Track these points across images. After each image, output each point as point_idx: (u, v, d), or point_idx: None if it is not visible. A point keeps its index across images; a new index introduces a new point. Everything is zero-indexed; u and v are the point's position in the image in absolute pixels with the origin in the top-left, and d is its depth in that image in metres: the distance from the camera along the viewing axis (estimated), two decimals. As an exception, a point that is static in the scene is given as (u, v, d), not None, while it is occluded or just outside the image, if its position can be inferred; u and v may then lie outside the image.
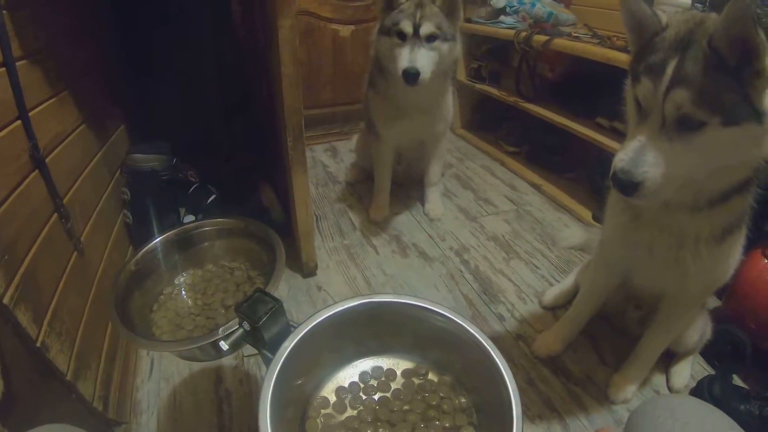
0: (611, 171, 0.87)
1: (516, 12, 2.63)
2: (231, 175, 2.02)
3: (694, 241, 1.03)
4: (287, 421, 0.86)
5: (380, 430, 0.89)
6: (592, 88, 2.14)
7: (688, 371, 1.40)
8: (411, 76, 1.63)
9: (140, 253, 1.14)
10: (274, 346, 0.86)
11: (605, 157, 1.87)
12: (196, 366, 1.42)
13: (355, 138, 2.62)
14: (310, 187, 1.62)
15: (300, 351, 0.86)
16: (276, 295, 0.94)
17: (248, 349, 0.94)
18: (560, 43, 2.15)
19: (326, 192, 2.47)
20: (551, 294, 1.69)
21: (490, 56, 2.90)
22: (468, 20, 2.77)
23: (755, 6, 1.52)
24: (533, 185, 2.50)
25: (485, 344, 0.88)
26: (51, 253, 1.07)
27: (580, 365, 1.45)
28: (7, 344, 0.84)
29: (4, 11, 0.98)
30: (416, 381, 0.98)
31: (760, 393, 1.27)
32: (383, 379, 0.98)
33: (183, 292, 1.17)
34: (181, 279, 1.20)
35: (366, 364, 1.01)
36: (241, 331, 0.89)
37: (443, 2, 1.67)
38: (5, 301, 0.84)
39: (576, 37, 2.17)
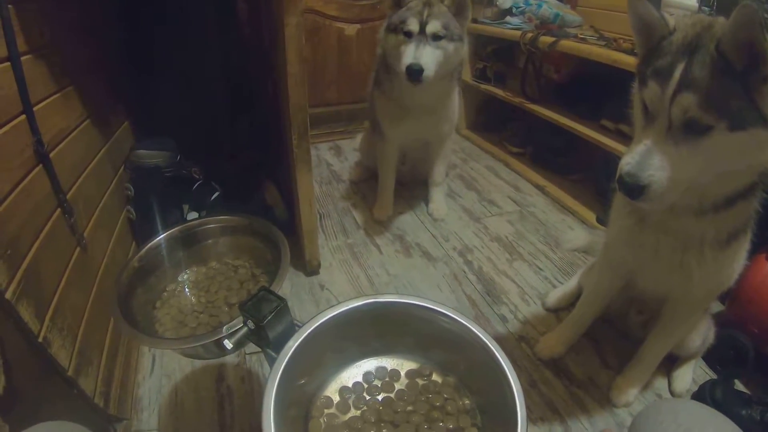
0: (617, 174, 0.87)
1: (522, 13, 2.62)
2: (235, 172, 2.02)
3: (699, 245, 1.02)
4: (290, 421, 0.86)
5: (383, 430, 0.89)
6: (597, 90, 2.14)
7: (690, 375, 1.40)
8: (415, 72, 1.62)
9: (144, 250, 1.13)
10: (279, 345, 0.85)
11: (610, 159, 1.87)
12: (198, 363, 1.42)
13: (359, 137, 2.61)
14: (314, 185, 1.62)
15: (304, 350, 0.86)
16: (279, 293, 0.94)
17: (250, 347, 0.93)
18: (566, 44, 2.14)
19: (330, 190, 2.47)
20: (554, 296, 1.68)
21: (496, 57, 2.90)
22: (474, 21, 2.76)
23: (763, 10, 1.52)
24: (537, 186, 2.49)
25: (490, 345, 0.87)
26: (54, 249, 1.06)
27: (583, 368, 1.44)
28: (9, 339, 0.84)
29: (9, 6, 0.98)
30: (420, 382, 0.97)
31: (762, 398, 1.27)
32: (387, 379, 0.98)
33: (186, 290, 1.17)
34: (185, 276, 1.20)
35: (370, 364, 1.00)
36: (245, 329, 0.88)
37: (452, 2, 1.67)
38: (8, 296, 0.84)
39: (582, 38, 2.17)
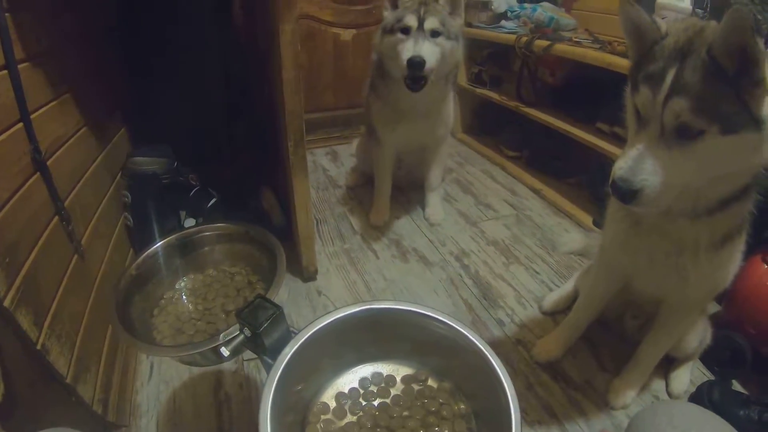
0: (610, 179, 0.87)
1: (517, 17, 2.64)
2: (232, 178, 2.02)
3: (694, 248, 1.03)
4: (287, 427, 0.86)
5: (380, 436, 0.90)
6: (592, 93, 2.14)
7: (687, 377, 1.40)
8: (417, 64, 1.61)
9: (141, 258, 1.14)
10: (275, 352, 0.86)
11: (606, 162, 1.88)
12: (196, 370, 1.42)
13: (355, 142, 2.61)
14: (310, 191, 1.62)
15: (300, 357, 0.86)
16: (276, 299, 0.95)
17: (248, 353, 0.93)
18: (561, 48, 2.15)
19: (327, 196, 2.47)
20: (551, 299, 1.69)
21: (491, 61, 2.91)
22: (469, 25, 2.78)
23: (755, 13, 1.53)
24: (534, 190, 2.50)
25: (484, 351, 0.87)
26: (52, 256, 1.07)
27: (580, 370, 1.45)
28: (8, 347, 0.84)
29: (6, 14, 0.98)
30: (416, 387, 0.98)
31: (760, 398, 1.27)
32: (383, 385, 0.98)
33: (184, 297, 1.17)
34: (182, 283, 1.20)
35: (366, 370, 1.01)
36: (241, 337, 0.89)
37: (446, 1, 1.69)
38: (6, 303, 0.84)
39: (577, 42, 2.18)
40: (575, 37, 2.25)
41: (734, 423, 0.73)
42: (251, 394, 1.36)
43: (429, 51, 1.63)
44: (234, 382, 1.40)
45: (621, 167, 0.86)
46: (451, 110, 2.05)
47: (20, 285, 0.89)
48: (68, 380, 1.00)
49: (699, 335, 1.36)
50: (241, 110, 2.20)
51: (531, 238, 2.10)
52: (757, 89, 0.75)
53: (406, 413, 0.93)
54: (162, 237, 1.20)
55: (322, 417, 0.93)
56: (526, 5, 2.62)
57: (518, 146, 2.82)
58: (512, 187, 2.56)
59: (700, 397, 1.31)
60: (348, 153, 2.90)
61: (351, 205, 2.37)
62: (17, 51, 1.01)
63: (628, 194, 0.85)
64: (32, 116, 1.05)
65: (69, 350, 1.04)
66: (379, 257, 1.97)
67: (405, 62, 1.62)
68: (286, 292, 1.73)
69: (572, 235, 2.08)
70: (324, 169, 2.80)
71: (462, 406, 0.95)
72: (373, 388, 0.98)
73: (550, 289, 1.77)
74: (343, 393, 0.97)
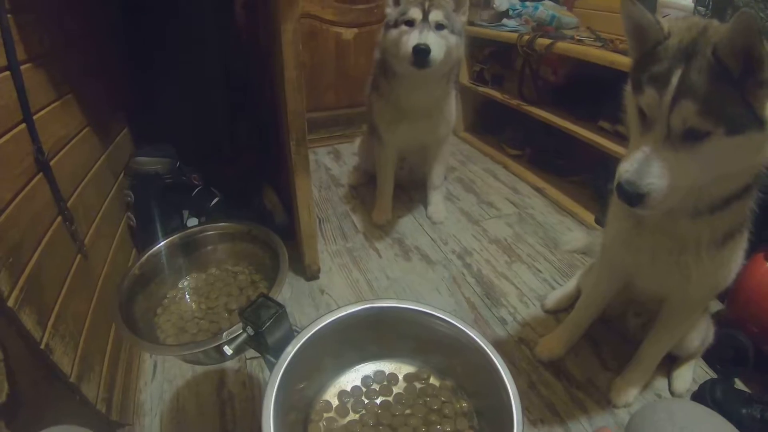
0: (616, 181, 0.87)
1: (519, 15, 2.64)
2: (234, 178, 2.02)
3: (696, 246, 1.03)
4: (290, 425, 0.86)
5: (382, 434, 0.90)
6: (595, 92, 2.13)
7: (690, 375, 1.40)
8: (422, 52, 1.59)
9: (144, 257, 1.14)
10: (278, 350, 0.86)
11: (608, 160, 1.88)
12: (199, 368, 1.43)
13: (357, 141, 2.62)
14: (313, 190, 1.62)
15: (303, 356, 0.87)
16: (279, 298, 0.95)
17: (251, 352, 0.94)
18: (563, 46, 2.15)
19: (329, 195, 2.48)
20: (553, 297, 1.69)
21: (493, 59, 2.91)
22: (471, 23, 2.77)
23: (759, 13, 1.53)
24: (536, 188, 2.50)
25: (486, 349, 0.88)
26: (55, 256, 1.07)
27: (582, 369, 1.45)
28: (12, 347, 0.85)
29: (9, 15, 0.99)
30: (418, 385, 0.98)
31: (762, 396, 1.27)
32: (385, 383, 0.99)
33: (187, 296, 1.18)
34: (185, 283, 1.21)
35: (368, 368, 1.01)
36: (244, 335, 0.89)
37: None
38: (10, 303, 0.85)
39: (579, 40, 2.18)
40: (577, 35, 2.25)
41: (737, 421, 0.73)
42: (254, 393, 1.36)
43: (434, 41, 1.62)
44: (237, 380, 1.40)
45: (627, 170, 0.85)
46: (453, 109, 2.04)
47: (24, 285, 0.90)
48: (72, 379, 1.00)
49: (701, 334, 1.36)
50: (243, 109, 2.20)
51: (533, 236, 2.10)
52: (761, 90, 0.75)
53: (408, 411, 0.93)
54: (165, 236, 1.21)
55: (325, 415, 0.93)
56: (528, 3, 2.62)
57: (520, 144, 2.82)
58: (514, 185, 2.56)
59: (702, 395, 1.31)
60: (350, 152, 2.90)
61: (353, 204, 2.38)
62: (20, 52, 1.02)
63: (635, 197, 0.84)
64: (35, 117, 1.05)
65: (73, 349, 1.04)
66: (381, 256, 1.97)
67: (410, 49, 1.60)
68: (288, 290, 1.73)
69: (574, 233, 2.07)
70: (326, 167, 2.80)
71: (464, 405, 0.95)
72: (376, 387, 0.98)
73: (553, 288, 1.77)
74: (346, 391, 0.97)
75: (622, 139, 1.99)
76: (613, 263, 1.28)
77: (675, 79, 0.78)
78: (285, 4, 1.27)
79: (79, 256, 1.19)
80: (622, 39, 1.96)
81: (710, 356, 1.46)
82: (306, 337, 0.88)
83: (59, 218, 1.12)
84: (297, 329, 0.92)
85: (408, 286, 1.79)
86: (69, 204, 1.17)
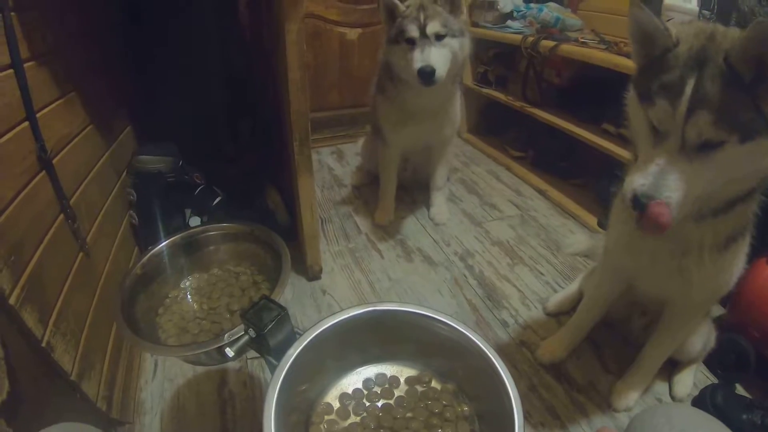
0: (629, 195, 0.85)
1: (523, 17, 2.63)
2: (237, 177, 2.02)
3: (698, 250, 1.02)
4: (291, 427, 0.86)
5: (383, 437, 0.90)
6: (599, 94, 2.12)
7: (691, 380, 1.40)
8: (427, 74, 1.62)
9: (146, 257, 1.14)
10: (279, 352, 0.86)
11: (612, 163, 1.87)
12: (200, 368, 1.43)
13: (361, 141, 2.62)
14: (315, 190, 1.62)
15: (304, 358, 0.86)
16: (281, 298, 0.95)
17: (252, 352, 0.94)
18: (567, 48, 2.15)
19: (332, 195, 2.48)
20: (555, 300, 1.69)
21: (497, 61, 2.90)
22: (475, 24, 2.78)
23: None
24: (539, 191, 2.49)
25: (488, 353, 0.87)
26: (57, 254, 1.07)
27: (584, 372, 1.45)
28: (13, 344, 0.85)
29: (12, 13, 0.99)
30: (419, 388, 0.98)
31: (763, 402, 1.27)
32: (387, 386, 0.98)
33: (188, 296, 1.18)
34: (187, 283, 1.20)
35: (370, 371, 1.01)
36: (246, 337, 0.89)
37: (444, 1, 1.68)
38: (11, 301, 0.85)
39: (583, 42, 2.17)
40: (581, 38, 2.24)
41: (737, 427, 0.73)
42: (255, 393, 1.36)
43: (437, 57, 1.63)
44: (238, 380, 1.40)
45: (643, 183, 0.83)
46: (458, 110, 2.04)
47: (25, 283, 0.90)
48: (73, 377, 1.01)
49: (703, 338, 1.35)
50: (246, 109, 2.20)
51: (536, 238, 2.10)
52: None
53: (409, 414, 0.93)
54: (167, 235, 1.21)
55: (326, 417, 0.93)
56: (532, 5, 2.62)
57: (523, 146, 2.82)
58: (517, 187, 2.56)
59: (703, 400, 1.31)
60: (353, 152, 2.91)
61: (356, 205, 2.38)
62: (23, 50, 1.02)
63: None
64: (38, 115, 1.05)
65: (74, 347, 1.05)
66: (383, 257, 1.97)
67: (416, 73, 1.63)
68: (290, 291, 1.73)
69: (577, 236, 2.07)
70: (329, 168, 2.80)
71: (465, 408, 0.95)
72: (377, 389, 0.98)
73: (555, 291, 1.77)
74: (347, 394, 0.97)
75: (625, 142, 1.98)
76: (615, 266, 1.28)
77: (689, 89, 0.77)
78: (289, 4, 1.26)
79: (81, 254, 1.19)
80: (627, 42, 1.95)
81: (712, 361, 1.45)
82: (308, 340, 0.88)
83: (61, 216, 1.12)
84: (299, 331, 0.92)
85: (410, 288, 1.79)
86: (71, 202, 1.17)
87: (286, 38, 1.31)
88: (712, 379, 1.44)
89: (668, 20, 1.28)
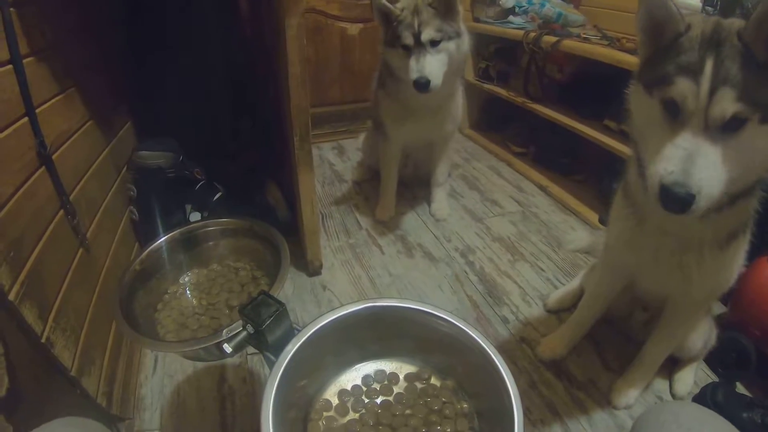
0: (657, 186, 0.79)
1: (525, 12, 2.62)
2: (237, 173, 2.02)
3: (699, 246, 1.02)
4: (289, 423, 0.86)
5: (382, 433, 0.90)
6: (600, 90, 2.12)
7: (691, 378, 1.40)
8: (422, 85, 1.64)
9: (145, 253, 1.14)
10: (278, 348, 0.86)
11: (614, 159, 1.87)
12: (200, 363, 1.43)
13: (362, 136, 2.61)
14: (316, 185, 1.62)
15: (303, 354, 0.86)
16: (281, 293, 0.95)
17: (252, 348, 0.94)
18: (569, 44, 2.14)
19: (332, 191, 2.47)
20: (556, 297, 1.68)
21: (499, 56, 2.89)
22: (477, 20, 2.77)
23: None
24: (540, 187, 2.49)
25: (488, 349, 0.87)
26: (57, 250, 1.07)
27: (584, 369, 1.45)
28: (13, 340, 0.85)
29: (11, 9, 0.98)
30: (419, 385, 0.98)
31: (764, 401, 1.27)
32: (386, 382, 0.98)
33: (188, 292, 1.18)
34: (186, 278, 1.20)
35: (369, 367, 1.01)
36: (244, 333, 0.89)
37: (438, 2, 1.66)
38: (11, 297, 0.85)
39: (585, 38, 2.17)
40: (584, 33, 2.23)
41: (737, 425, 0.72)
42: (255, 389, 1.37)
43: (432, 66, 1.65)
44: (238, 376, 1.40)
45: (671, 172, 0.77)
46: (460, 105, 2.04)
47: (25, 279, 0.90)
48: (73, 373, 1.00)
49: (704, 336, 1.35)
50: (247, 104, 2.20)
51: (537, 235, 2.09)
52: None
53: (408, 411, 0.93)
54: (167, 231, 1.20)
55: (325, 414, 0.93)
56: (535, 1, 2.60)
57: (525, 142, 2.81)
58: (518, 183, 2.56)
59: (703, 398, 1.30)
60: (354, 147, 2.90)
61: (357, 200, 2.37)
62: (22, 46, 1.01)
63: (687, 200, 0.77)
64: (37, 110, 1.04)
65: (74, 343, 1.04)
66: (384, 252, 1.97)
67: (412, 82, 1.66)
68: (290, 286, 1.73)
69: (578, 232, 2.07)
70: (330, 163, 2.80)
71: (464, 405, 0.95)
72: (376, 386, 0.98)
73: (556, 287, 1.77)
74: (346, 390, 0.97)
75: (627, 138, 1.98)
76: (616, 263, 1.28)
77: (709, 68, 0.75)
78: (289, -1, 1.26)
79: (81, 250, 1.19)
80: (629, 37, 1.95)
81: (712, 359, 1.45)
82: (306, 336, 0.88)
83: (61, 212, 1.12)
84: (297, 327, 0.92)
85: (410, 283, 1.79)
86: (71, 198, 1.17)
87: (286, 33, 1.30)
88: (712, 378, 1.44)
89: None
